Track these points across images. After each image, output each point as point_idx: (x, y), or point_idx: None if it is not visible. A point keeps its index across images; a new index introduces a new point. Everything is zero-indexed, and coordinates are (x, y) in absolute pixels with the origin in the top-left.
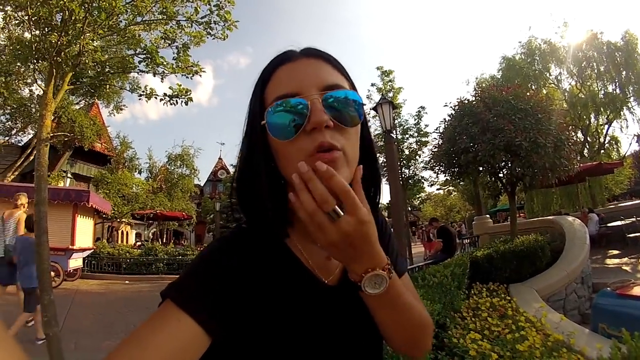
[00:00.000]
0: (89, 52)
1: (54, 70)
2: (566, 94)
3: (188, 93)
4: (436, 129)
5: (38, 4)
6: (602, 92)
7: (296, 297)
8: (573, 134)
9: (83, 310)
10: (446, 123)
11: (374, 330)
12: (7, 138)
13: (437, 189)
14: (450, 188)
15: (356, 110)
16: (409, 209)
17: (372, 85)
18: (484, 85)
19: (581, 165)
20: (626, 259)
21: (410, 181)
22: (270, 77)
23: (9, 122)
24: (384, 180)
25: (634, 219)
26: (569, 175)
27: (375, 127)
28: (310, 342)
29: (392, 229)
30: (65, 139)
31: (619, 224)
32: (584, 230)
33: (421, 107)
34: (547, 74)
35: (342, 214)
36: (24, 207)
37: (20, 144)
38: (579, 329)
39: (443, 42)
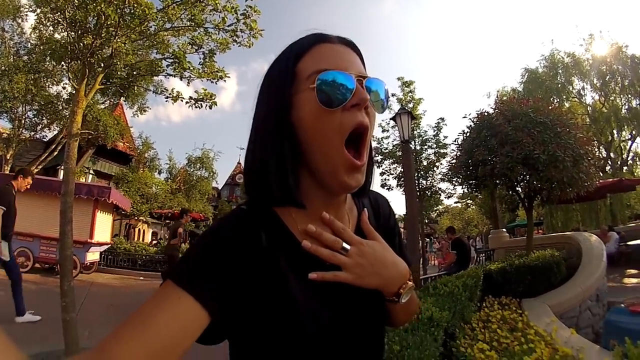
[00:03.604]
0: (121, 55)
1: (87, 70)
2: (589, 108)
3: (213, 97)
4: (455, 141)
5: (75, 7)
6: (626, 106)
7: (304, 275)
8: (595, 148)
9: (98, 301)
10: (465, 135)
11: (379, 311)
12: (32, 133)
13: (455, 202)
14: (468, 201)
15: (384, 100)
16: (426, 221)
17: (393, 95)
18: (504, 98)
19: (600, 181)
20: None
21: (427, 192)
22: (306, 52)
23: (35, 118)
24: (400, 190)
25: None
26: (589, 191)
27: (394, 137)
28: (320, 322)
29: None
30: (89, 137)
31: (639, 242)
32: (601, 247)
33: (441, 118)
34: (570, 88)
35: (348, 247)
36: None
37: (45, 140)
38: (588, 345)
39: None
